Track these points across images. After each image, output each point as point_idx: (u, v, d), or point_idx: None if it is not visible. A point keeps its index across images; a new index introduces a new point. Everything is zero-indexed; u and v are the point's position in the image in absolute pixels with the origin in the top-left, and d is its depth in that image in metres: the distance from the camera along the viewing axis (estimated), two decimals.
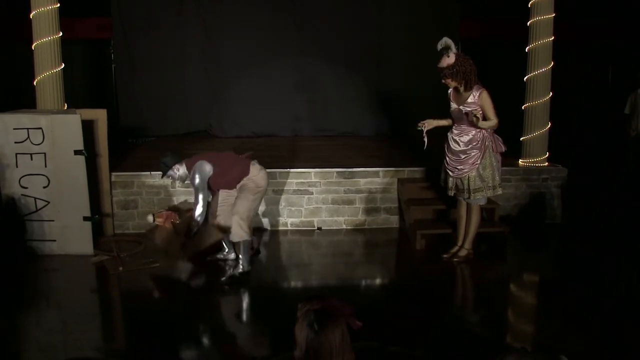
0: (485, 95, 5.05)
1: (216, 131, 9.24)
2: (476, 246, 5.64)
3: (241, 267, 5.11)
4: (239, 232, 5.02)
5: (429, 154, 5.57)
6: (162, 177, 5.27)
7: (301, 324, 1.92)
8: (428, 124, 5.31)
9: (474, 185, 5.23)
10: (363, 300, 4.87)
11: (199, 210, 4.95)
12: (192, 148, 7.70)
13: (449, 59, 5.02)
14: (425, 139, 5.31)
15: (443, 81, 5.17)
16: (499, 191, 5.37)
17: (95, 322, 4.53)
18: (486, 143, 5.17)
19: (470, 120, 5.04)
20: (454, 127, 5.30)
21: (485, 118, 5.05)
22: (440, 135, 5.42)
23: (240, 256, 5.12)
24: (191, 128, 9.41)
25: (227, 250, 5.58)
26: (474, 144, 5.17)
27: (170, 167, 5.12)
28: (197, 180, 4.97)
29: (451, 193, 5.45)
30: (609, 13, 10.00)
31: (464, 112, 5.11)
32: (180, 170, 5.13)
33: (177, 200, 6.45)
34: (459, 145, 5.22)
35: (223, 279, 5.10)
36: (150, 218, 5.42)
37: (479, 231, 5.59)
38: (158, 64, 9.08)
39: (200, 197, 4.96)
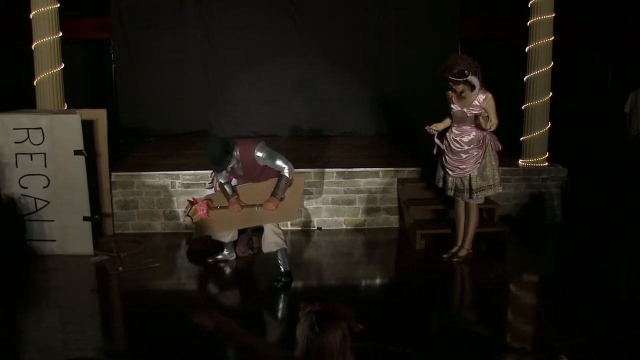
0: (490, 99, 5.06)
1: (216, 131, 9.22)
2: (476, 246, 5.65)
3: (283, 270, 4.99)
4: (277, 241, 4.96)
5: (428, 154, 5.57)
6: (222, 169, 4.76)
7: (302, 324, 1.91)
8: (435, 127, 5.31)
9: (475, 185, 5.24)
10: (363, 300, 4.87)
11: (287, 168, 4.77)
12: (192, 148, 7.71)
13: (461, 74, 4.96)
14: (439, 142, 5.32)
15: (453, 87, 5.10)
16: (500, 189, 5.39)
17: (95, 322, 4.54)
18: (486, 142, 5.20)
19: (478, 123, 5.04)
20: (454, 127, 5.30)
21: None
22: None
23: (280, 261, 4.99)
24: (191, 128, 9.40)
25: (227, 252, 5.58)
26: (476, 143, 5.19)
27: (231, 155, 4.68)
28: (265, 154, 4.75)
29: (450, 193, 5.45)
30: (608, 13, 9.97)
31: (468, 114, 5.12)
32: (236, 152, 4.75)
33: (176, 200, 6.46)
34: (460, 145, 5.23)
35: (276, 284, 4.95)
36: (188, 220, 5.07)
37: (479, 231, 5.60)
38: (158, 64, 9.07)
39: (280, 160, 4.76)
